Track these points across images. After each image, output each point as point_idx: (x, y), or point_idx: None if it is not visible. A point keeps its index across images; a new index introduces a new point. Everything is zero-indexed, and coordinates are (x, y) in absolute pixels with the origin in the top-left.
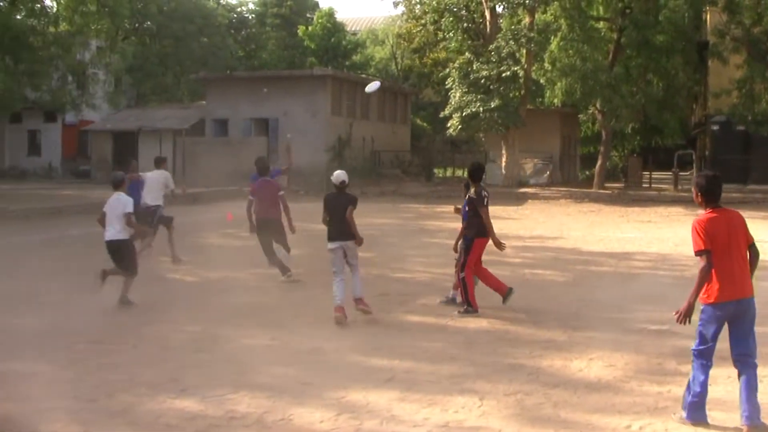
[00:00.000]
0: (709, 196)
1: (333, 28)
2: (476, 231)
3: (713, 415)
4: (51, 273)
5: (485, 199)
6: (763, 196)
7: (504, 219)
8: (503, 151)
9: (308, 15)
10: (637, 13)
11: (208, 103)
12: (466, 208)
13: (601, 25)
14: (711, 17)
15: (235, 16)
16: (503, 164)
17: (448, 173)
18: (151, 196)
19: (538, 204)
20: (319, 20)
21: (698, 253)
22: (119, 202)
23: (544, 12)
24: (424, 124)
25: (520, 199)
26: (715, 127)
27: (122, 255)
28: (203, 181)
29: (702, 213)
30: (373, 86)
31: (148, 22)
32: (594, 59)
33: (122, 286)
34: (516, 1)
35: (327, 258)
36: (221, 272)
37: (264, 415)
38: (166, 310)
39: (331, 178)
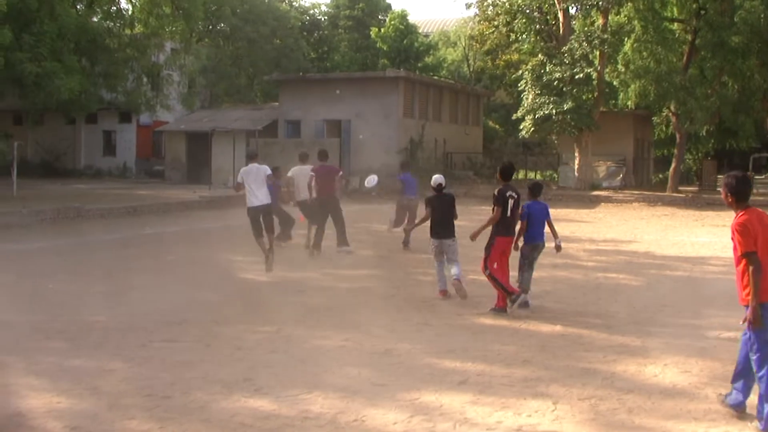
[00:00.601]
0: (740, 196)
1: (405, 29)
2: (498, 229)
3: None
4: (126, 271)
5: (506, 199)
6: None
7: (577, 222)
8: (576, 154)
9: (380, 17)
10: (712, 14)
11: (281, 105)
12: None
13: (675, 26)
14: None
15: (307, 18)
16: (576, 167)
17: (521, 175)
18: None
19: (611, 207)
20: (392, 22)
21: (746, 254)
22: (259, 170)
23: (618, 13)
24: (497, 126)
25: (593, 202)
26: None
27: (273, 216)
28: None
29: (738, 214)
30: (371, 181)
31: (222, 24)
32: (668, 61)
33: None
34: (589, 3)
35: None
36: (295, 273)
37: (337, 416)
38: (240, 310)
39: (430, 182)
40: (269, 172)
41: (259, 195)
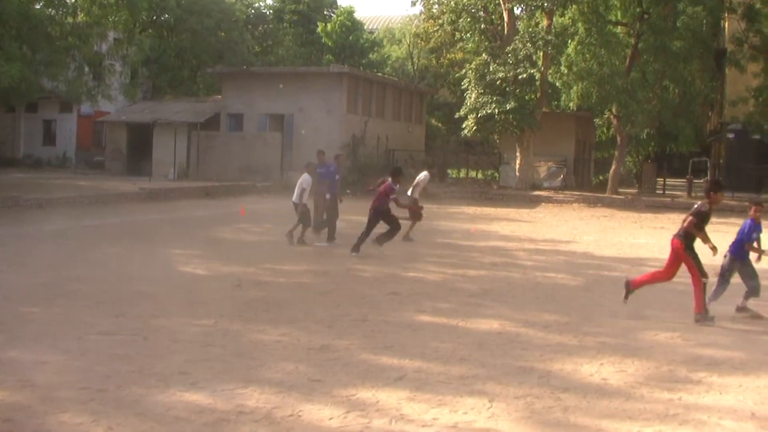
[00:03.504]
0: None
1: (351, 26)
2: None
3: (723, 424)
4: (64, 263)
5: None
6: None
7: (517, 221)
8: (518, 154)
9: (325, 12)
10: (655, 18)
11: (223, 98)
12: None
13: (618, 29)
14: (729, 25)
15: (252, 11)
16: (517, 167)
17: (462, 174)
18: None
19: (552, 207)
20: (339, 18)
21: None
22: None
23: (562, 15)
24: (439, 125)
25: (534, 202)
26: (731, 135)
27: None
28: (217, 175)
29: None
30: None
31: (166, 15)
32: (611, 64)
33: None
34: (534, 4)
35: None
36: (234, 266)
37: (273, 411)
38: (178, 303)
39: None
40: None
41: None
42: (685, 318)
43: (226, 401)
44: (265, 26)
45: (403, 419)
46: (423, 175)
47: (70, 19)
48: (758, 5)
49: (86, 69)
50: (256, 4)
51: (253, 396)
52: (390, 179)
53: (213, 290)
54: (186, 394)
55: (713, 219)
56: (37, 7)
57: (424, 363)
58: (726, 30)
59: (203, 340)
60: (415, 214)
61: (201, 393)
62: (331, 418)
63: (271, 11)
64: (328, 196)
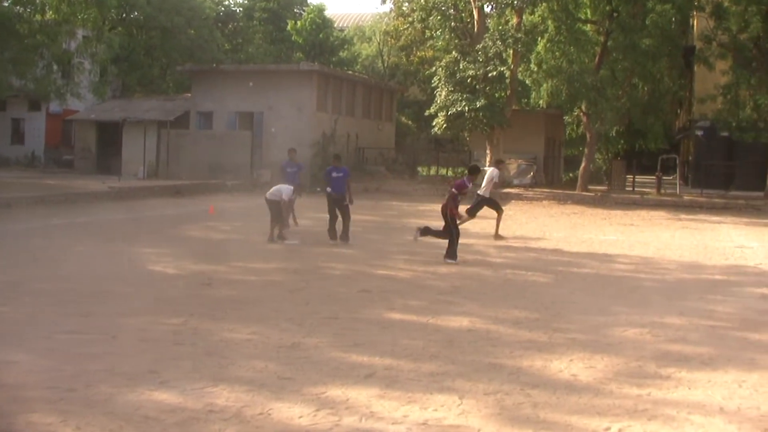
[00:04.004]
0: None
1: (322, 23)
2: None
3: (692, 418)
4: (33, 262)
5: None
6: (745, 203)
7: (487, 219)
8: (488, 151)
9: (296, 10)
10: (625, 16)
11: (193, 96)
12: None
13: (588, 27)
14: (698, 23)
15: (222, 9)
16: (487, 164)
17: (432, 171)
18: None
19: (522, 205)
20: (309, 15)
21: None
22: None
23: (532, 13)
24: (409, 122)
25: (504, 200)
26: (699, 133)
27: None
28: (187, 173)
29: None
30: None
31: (135, 13)
32: (580, 61)
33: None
34: (504, 2)
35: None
36: (203, 265)
37: (243, 409)
38: (147, 302)
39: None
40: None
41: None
42: (654, 314)
43: (196, 400)
44: (235, 24)
45: (373, 417)
46: (492, 171)
47: (38, 17)
48: (726, 3)
49: (55, 67)
50: (226, 2)
51: (223, 394)
52: (465, 177)
53: (182, 289)
54: (155, 393)
55: (682, 215)
56: (6, 4)
57: (394, 360)
58: (695, 28)
59: (173, 338)
60: (497, 208)
61: (170, 392)
62: (300, 416)
63: (241, 9)
64: (284, 197)
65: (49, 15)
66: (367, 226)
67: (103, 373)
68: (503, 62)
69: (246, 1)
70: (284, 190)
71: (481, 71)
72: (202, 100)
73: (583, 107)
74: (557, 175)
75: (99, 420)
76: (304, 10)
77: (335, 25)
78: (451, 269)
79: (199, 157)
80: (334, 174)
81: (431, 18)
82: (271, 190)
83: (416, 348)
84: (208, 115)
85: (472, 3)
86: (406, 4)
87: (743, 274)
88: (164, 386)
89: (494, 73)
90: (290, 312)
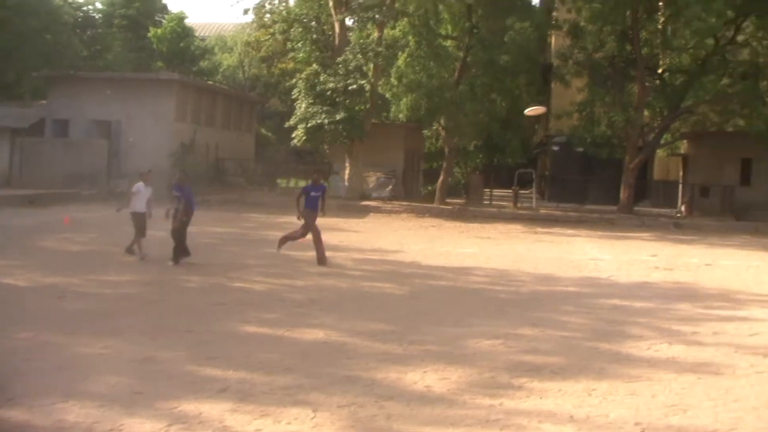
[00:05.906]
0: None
1: (183, 32)
2: None
3: (543, 427)
4: None
5: None
6: (599, 216)
7: (346, 231)
8: (347, 164)
9: (157, 18)
10: (484, 33)
11: (49, 103)
12: None
13: (448, 43)
14: (556, 41)
15: (81, 14)
16: (346, 177)
17: (292, 183)
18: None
19: (380, 217)
20: (170, 23)
21: None
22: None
23: (393, 28)
24: (269, 134)
25: (363, 212)
26: (556, 148)
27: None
28: (42, 182)
29: None
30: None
31: None
32: (440, 76)
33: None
34: (365, 16)
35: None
36: (57, 277)
37: (93, 425)
38: None
39: None
40: None
41: None
42: (508, 325)
43: (45, 416)
44: (94, 30)
45: (226, 431)
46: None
47: None
48: (583, 23)
49: None
50: (85, 8)
51: (74, 410)
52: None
53: (34, 302)
54: (1, 411)
55: (538, 229)
56: None
57: (248, 374)
58: (552, 46)
59: (22, 354)
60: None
61: (17, 409)
62: None
63: (100, 15)
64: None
65: None
66: (225, 238)
67: None
68: (364, 76)
69: (105, 8)
70: (142, 190)
71: (342, 84)
72: (59, 108)
73: (442, 121)
74: (416, 188)
75: None
76: (164, 18)
77: (196, 34)
78: (308, 282)
79: (55, 165)
80: (313, 193)
81: (293, 30)
82: (134, 201)
83: (271, 361)
84: (64, 123)
85: (334, 16)
86: (268, 15)
87: (596, 286)
88: (11, 403)
89: (354, 86)
90: (144, 325)
